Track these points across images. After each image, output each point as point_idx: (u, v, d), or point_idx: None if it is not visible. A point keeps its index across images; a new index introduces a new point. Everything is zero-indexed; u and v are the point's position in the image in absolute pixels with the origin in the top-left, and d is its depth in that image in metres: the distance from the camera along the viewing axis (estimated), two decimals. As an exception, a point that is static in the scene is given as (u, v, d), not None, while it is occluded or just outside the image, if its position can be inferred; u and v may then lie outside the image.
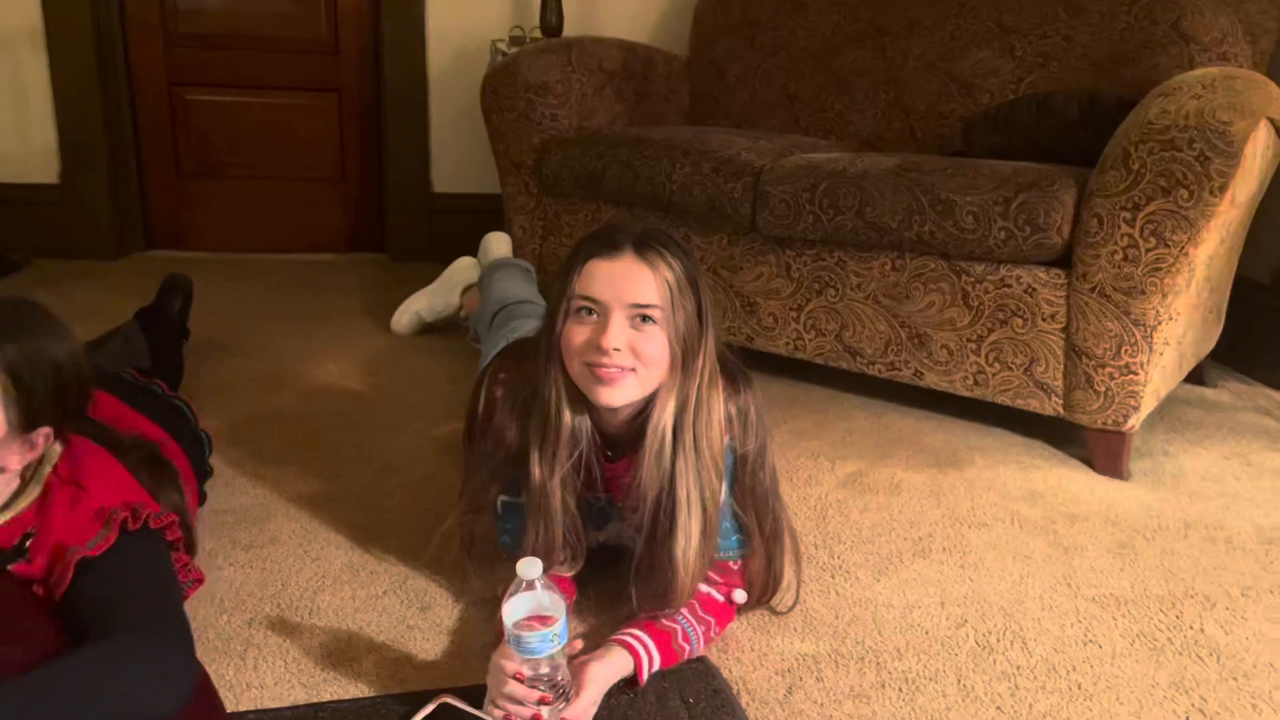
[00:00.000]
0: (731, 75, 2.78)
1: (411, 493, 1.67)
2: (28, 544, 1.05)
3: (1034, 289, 1.78)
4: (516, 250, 2.49)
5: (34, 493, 1.08)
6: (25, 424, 1.04)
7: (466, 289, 2.41)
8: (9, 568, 1.05)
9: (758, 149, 2.13)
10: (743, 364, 1.29)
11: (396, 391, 2.12)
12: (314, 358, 2.29)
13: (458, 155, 3.15)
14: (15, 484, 1.09)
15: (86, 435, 1.17)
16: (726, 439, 1.23)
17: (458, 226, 2.95)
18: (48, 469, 1.11)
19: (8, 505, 1.07)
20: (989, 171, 1.80)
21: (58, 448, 1.13)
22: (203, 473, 1.55)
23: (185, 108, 3.10)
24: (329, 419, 1.96)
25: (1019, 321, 1.81)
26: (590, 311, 1.19)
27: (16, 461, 1.06)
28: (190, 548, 1.22)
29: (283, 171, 3.21)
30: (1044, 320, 1.78)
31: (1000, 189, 1.76)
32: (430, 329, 2.49)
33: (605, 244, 1.21)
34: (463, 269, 2.47)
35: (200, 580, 1.24)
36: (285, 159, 3.20)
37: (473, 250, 2.48)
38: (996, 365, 1.85)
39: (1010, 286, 1.80)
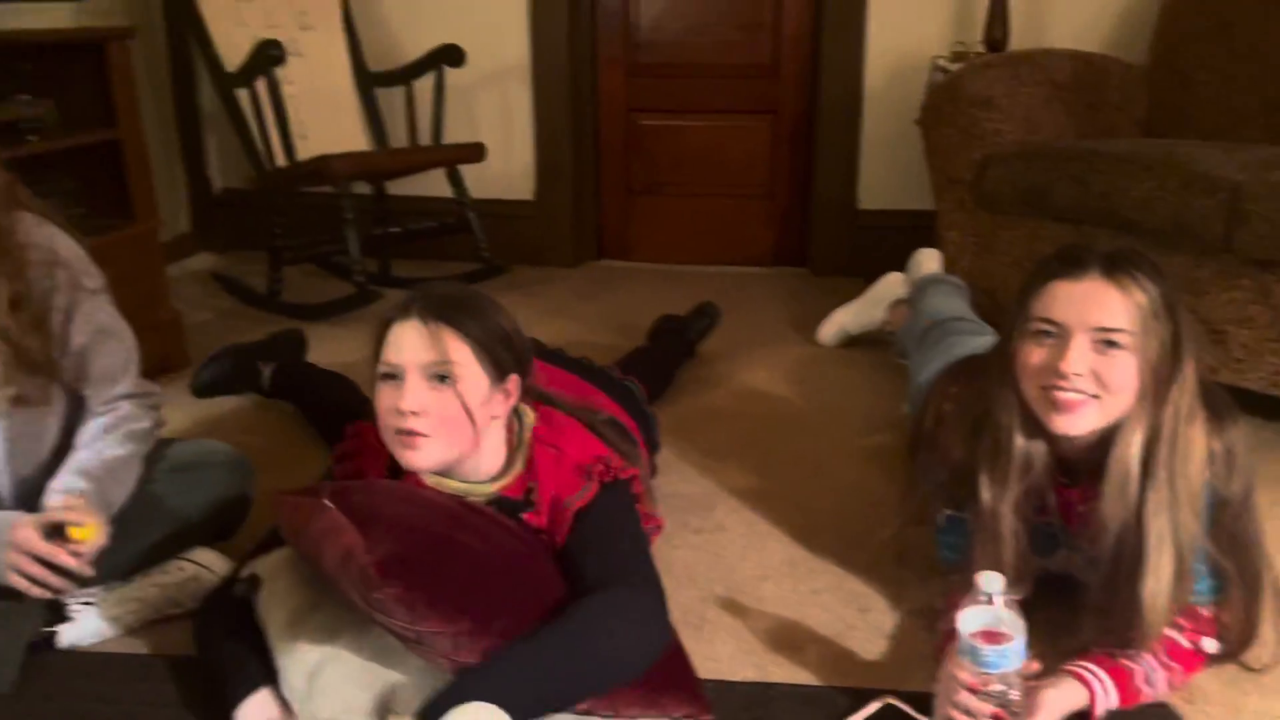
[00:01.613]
0: (1199, 83, 2.55)
1: (842, 496, 1.73)
2: (533, 496, 1.25)
3: None
4: (948, 267, 2.46)
5: (525, 455, 1.28)
6: (498, 376, 1.24)
7: (895, 304, 2.43)
8: (521, 516, 1.25)
9: (1234, 162, 1.94)
10: (1229, 398, 1.19)
11: (822, 399, 2.19)
12: (744, 362, 2.42)
13: (885, 172, 3.18)
14: (504, 451, 1.29)
15: (557, 407, 1.36)
16: (1206, 478, 1.15)
17: (880, 242, 2.97)
18: (528, 435, 1.31)
19: (508, 468, 1.28)
20: None
21: (532, 415, 1.33)
22: (653, 444, 1.71)
23: (639, 131, 3.41)
24: (761, 420, 2.08)
25: None
26: (1049, 334, 1.17)
27: (500, 406, 1.26)
28: (650, 499, 1.38)
29: (717, 189, 3.43)
30: None
31: None
32: (854, 341, 2.54)
33: (1069, 264, 1.18)
34: (890, 284, 2.49)
35: (660, 526, 1.40)
36: (720, 177, 3.41)
37: (893, 266, 2.50)
38: None
39: None
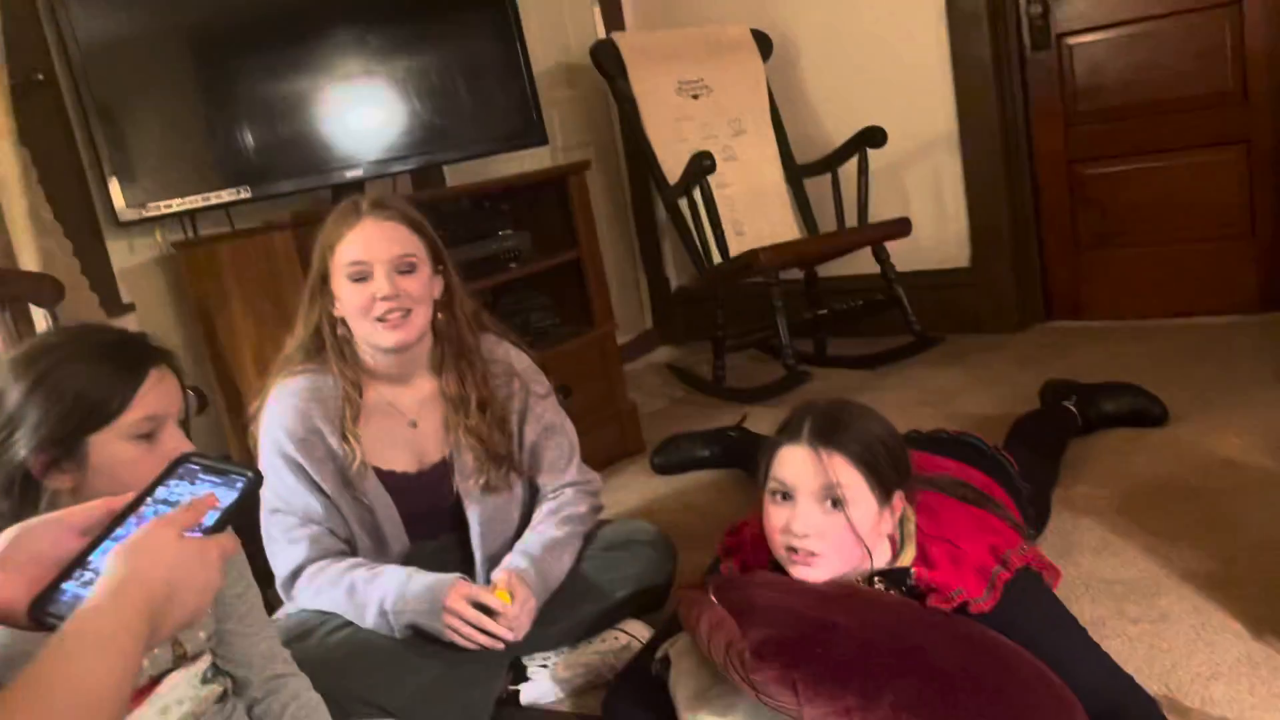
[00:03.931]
0: None
1: (1330, 588, 1.46)
2: (910, 581, 1.25)
3: None
4: None
5: (911, 551, 1.27)
6: (884, 495, 1.26)
7: None
8: (908, 584, 1.27)
9: None
10: None
11: (1315, 470, 1.87)
12: (1214, 428, 2.14)
13: (1403, 190, 2.66)
14: (890, 550, 1.30)
15: (931, 487, 1.34)
16: None
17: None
18: (912, 528, 1.30)
19: (895, 561, 1.28)
20: None
21: (913, 514, 1.32)
22: (1027, 517, 1.58)
23: (1083, 182, 3.19)
24: (1229, 496, 1.82)
25: None
26: None
27: (888, 523, 1.28)
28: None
29: (1182, 233, 3.09)
30: None
31: None
32: (1363, 398, 2.14)
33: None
34: None
35: (1058, 574, 1.35)
36: (1186, 220, 3.07)
37: None
38: None
39: None
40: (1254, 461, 1.95)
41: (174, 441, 1.02)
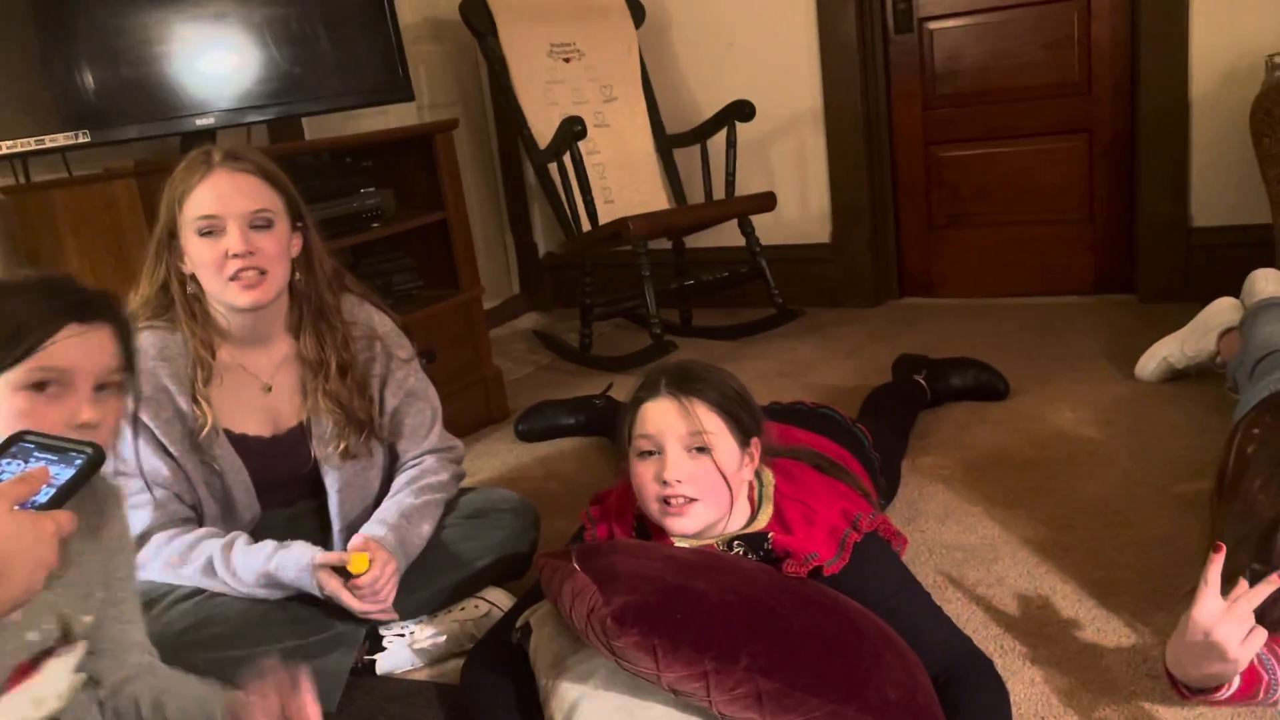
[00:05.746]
0: None
1: (1146, 551, 1.58)
2: (767, 545, 1.28)
3: None
4: (1291, 289, 2.17)
5: (769, 510, 1.32)
6: (743, 440, 1.31)
7: (1225, 333, 2.17)
8: (765, 549, 1.30)
9: None
10: None
11: (1137, 442, 2.00)
12: (1050, 402, 2.27)
13: (1222, 186, 2.85)
14: (749, 510, 1.34)
15: (786, 455, 1.39)
16: None
17: (1219, 264, 2.68)
18: (770, 489, 1.34)
19: (752, 522, 1.32)
20: None
21: (771, 475, 1.35)
22: (879, 487, 1.66)
23: (939, 164, 3.31)
24: (1062, 465, 1.94)
25: None
26: None
27: (749, 469, 1.32)
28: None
29: (1028, 216, 3.25)
30: None
31: None
32: (1180, 377, 2.30)
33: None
34: (1221, 311, 2.23)
35: (905, 541, 1.40)
36: (1031, 203, 3.23)
37: (1237, 290, 2.23)
38: None
39: None
40: (1085, 434, 2.08)
41: (75, 407, 0.98)
